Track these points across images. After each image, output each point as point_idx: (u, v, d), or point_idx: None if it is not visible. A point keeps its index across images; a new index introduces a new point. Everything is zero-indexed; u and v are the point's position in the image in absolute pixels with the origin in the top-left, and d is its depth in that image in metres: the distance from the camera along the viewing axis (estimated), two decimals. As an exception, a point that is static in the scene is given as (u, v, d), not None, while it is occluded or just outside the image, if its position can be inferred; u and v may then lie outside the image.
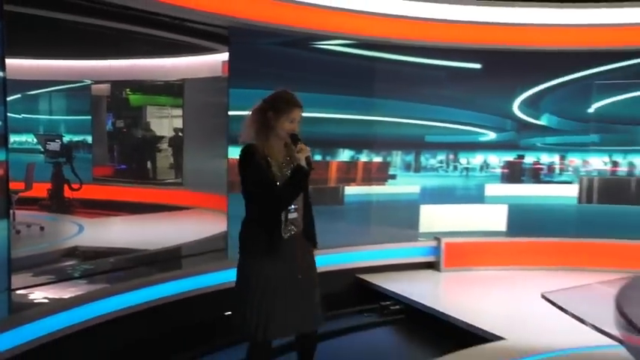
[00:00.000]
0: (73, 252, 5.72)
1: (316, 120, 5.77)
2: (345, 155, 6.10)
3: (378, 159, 6.26)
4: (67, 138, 8.58)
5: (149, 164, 9.99)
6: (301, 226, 2.90)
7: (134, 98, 10.31)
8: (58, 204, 7.74)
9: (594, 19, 5.92)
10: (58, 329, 3.54)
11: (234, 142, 5.25)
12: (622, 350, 3.15)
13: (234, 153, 5.37)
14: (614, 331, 2.11)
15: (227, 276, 4.89)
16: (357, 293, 5.54)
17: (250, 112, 2.84)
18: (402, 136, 6.26)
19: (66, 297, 3.79)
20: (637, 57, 6.06)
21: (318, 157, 5.97)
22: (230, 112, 5.19)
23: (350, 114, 6.03)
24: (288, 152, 2.82)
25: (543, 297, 2.47)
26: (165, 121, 10.32)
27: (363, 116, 6.07)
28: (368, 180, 6.19)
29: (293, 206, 2.82)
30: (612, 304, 2.34)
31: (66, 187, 7.75)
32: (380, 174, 6.25)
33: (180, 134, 9.06)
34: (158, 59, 8.17)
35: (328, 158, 6.03)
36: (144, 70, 8.56)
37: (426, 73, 6.16)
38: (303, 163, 2.70)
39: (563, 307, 2.34)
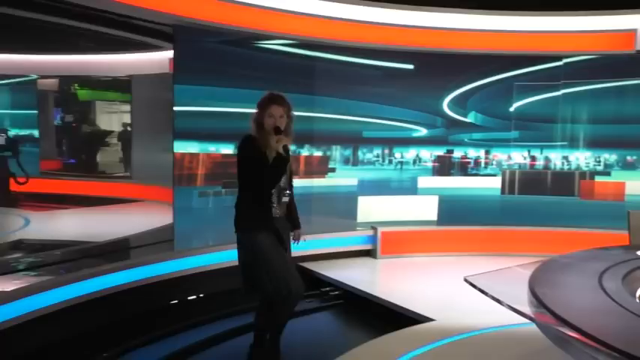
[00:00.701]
0: (18, 245, 5.49)
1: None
2: (287, 150, 6.05)
3: (318, 153, 6.25)
4: (13, 132, 8.22)
5: (98, 158, 9.69)
6: (284, 210, 3.32)
7: (82, 93, 9.96)
8: (4, 197, 7.42)
9: (515, 26, 6.11)
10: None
11: (179, 136, 5.16)
12: (535, 327, 3.27)
13: (180, 147, 5.29)
14: (527, 310, 2.17)
15: (174, 266, 4.85)
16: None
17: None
18: (341, 132, 6.28)
19: (8, 290, 3.61)
20: (551, 61, 6.29)
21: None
22: (175, 108, 5.03)
23: (294, 110, 5.98)
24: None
25: (466, 280, 2.51)
26: (114, 116, 10.02)
27: (304, 112, 6.03)
28: (309, 173, 6.18)
29: (287, 192, 3.28)
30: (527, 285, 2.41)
31: (12, 180, 7.43)
32: (320, 167, 6.26)
33: (128, 129, 8.82)
34: (106, 55, 7.92)
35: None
36: (91, 66, 8.29)
37: (363, 72, 6.20)
38: (281, 150, 3.05)
39: (483, 289, 2.38)
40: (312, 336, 4.38)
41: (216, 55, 5.33)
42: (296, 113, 5.87)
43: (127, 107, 8.77)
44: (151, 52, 7.24)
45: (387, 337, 3.71)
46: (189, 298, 4.96)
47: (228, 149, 5.62)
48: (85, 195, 8.19)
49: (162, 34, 5.25)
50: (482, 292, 2.35)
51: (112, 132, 9.83)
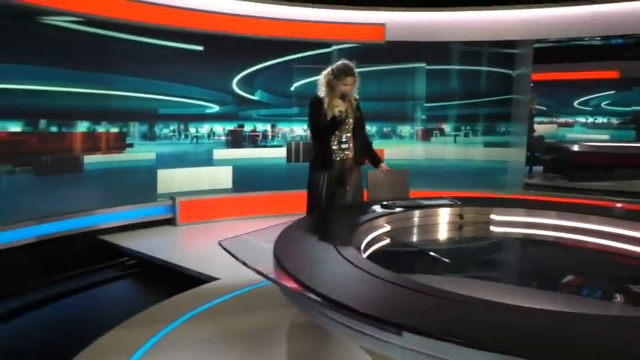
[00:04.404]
0: None
1: (51, 93, 5.21)
2: (82, 127, 5.61)
3: (115, 130, 5.90)
4: None
5: None
6: (352, 154, 3.73)
7: None
8: None
9: (292, 15, 6.34)
10: None
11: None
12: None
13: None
14: (272, 272, 2.29)
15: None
16: (99, 254, 5.23)
17: (322, 75, 3.64)
18: (137, 109, 5.99)
19: None
20: (323, 47, 6.65)
21: (54, 129, 5.40)
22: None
23: (87, 88, 5.56)
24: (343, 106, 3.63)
25: (219, 244, 2.59)
26: None
27: (100, 90, 5.64)
28: (107, 149, 5.81)
29: (344, 139, 3.68)
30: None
31: None
32: (118, 143, 5.92)
33: None
34: None
35: (64, 129, 5.48)
36: None
37: (157, 52, 5.94)
38: (337, 114, 3.55)
39: (233, 252, 2.48)
40: (110, 302, 4.23)
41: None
42: (92, 91, 5.59)
43: None
44: None
45: (177, 298, 3.68)
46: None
47: (16, 127, 5.06)
48: None
49: None
50: (232, 255, 2.45)
51: None
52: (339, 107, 3.58)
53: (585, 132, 9.73)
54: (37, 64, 5.07)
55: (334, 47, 6.66)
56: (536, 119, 8.90)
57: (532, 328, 1.58)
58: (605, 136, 9.46)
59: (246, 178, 6.62)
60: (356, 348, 2.74)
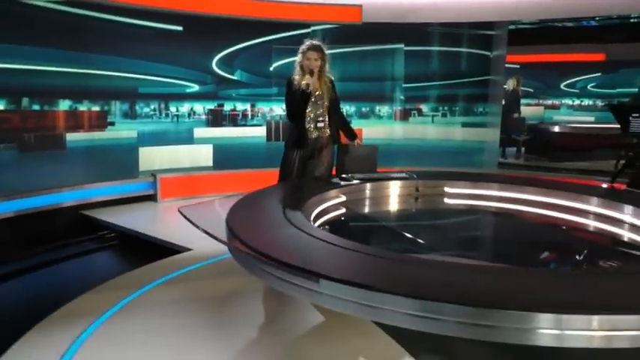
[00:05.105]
0: None
1: (33, 72, 5.39)
2: (64, 105, 5.81)
3: (96, 108, 6.09)
4: None
5: None
6: (327, 133, 3.90)
7: None
8: None
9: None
10: None
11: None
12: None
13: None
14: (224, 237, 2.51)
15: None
16: (81, 228, 5.45)
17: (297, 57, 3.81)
18: (118, 88, 6.15)
19: None
20: (301, 28, 6.73)
21: (37, 107, 5.60)
22: None
23: (68, 67, 5.73)
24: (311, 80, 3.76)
25: (179, 211, 2.82)
26: None
27: (81, 69, 5.82)
28: (88, 127, 6.01)
29: (320, 119, 3.86)
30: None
31: None
32: (99, 121, 6.12)
33: None
34: None
35: (46, 108, 5.68)
36: None
37: (137, 32, 6.08)
38: (304, 87, 3.72)
39: (193, 220, 2.71)
40: (89, 271, 4.47)
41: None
42: (73, 70, 5.76)
43: None
44: None
45: (145, 267, 3.88)
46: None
47: (-1, 105, 5.27)
48: None
49: None
50: (186, 218, 2.68)
51: None
52: (307, 81, 3.76)
53: (572, 114, 10.00)
54: (19, 43, 5.24)
55: (312, 28, 6.81)
56: (523, 101, 9.14)
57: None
58: (591, 118, 9.72)
59: (227, 157, 6.80)
60: (310, 308, 3.02)
